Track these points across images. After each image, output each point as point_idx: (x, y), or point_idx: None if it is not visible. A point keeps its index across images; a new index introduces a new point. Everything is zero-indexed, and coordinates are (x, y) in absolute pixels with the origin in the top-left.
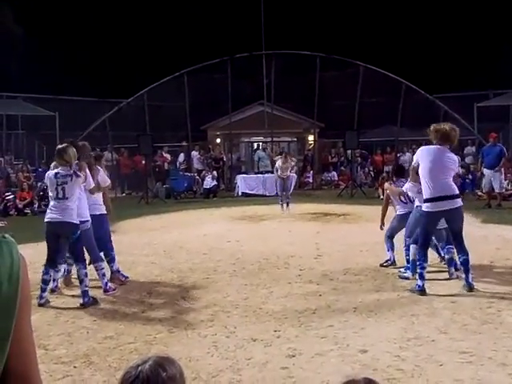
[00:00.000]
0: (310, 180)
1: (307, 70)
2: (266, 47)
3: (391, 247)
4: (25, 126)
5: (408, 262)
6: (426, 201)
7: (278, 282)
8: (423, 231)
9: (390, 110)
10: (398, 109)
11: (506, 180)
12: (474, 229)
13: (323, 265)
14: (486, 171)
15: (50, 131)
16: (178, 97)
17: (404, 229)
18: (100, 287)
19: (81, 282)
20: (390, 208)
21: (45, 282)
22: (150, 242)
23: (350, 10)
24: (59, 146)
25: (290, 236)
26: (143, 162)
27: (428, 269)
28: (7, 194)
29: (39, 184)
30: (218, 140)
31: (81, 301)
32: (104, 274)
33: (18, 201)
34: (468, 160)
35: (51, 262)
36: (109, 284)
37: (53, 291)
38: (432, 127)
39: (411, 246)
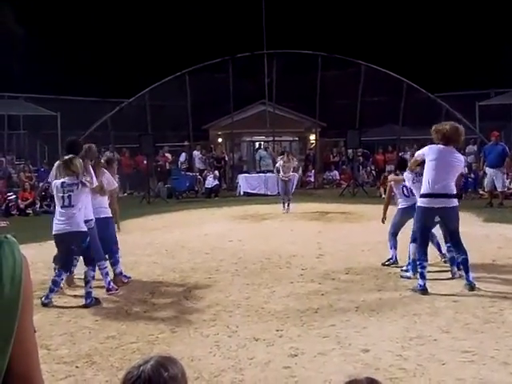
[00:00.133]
0: (312, 179)
1: (309, 70)
2: (268, 46)
3: (394, 245)
4: (26, 126)
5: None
6: (422, 196)
7: (280, 282)
8: (420, 229)
9: (392, 109)
10: (399, 108)
11: (508, 179)
12: (475, 228)
13: (325, 264)
14: (488, 170)
15: (52, 131)
16: (180, 96)
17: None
18: (103, 287)
19: (86, 282)
20: (392, 207)
21: (55, 283)
22: (151, 242)
23: (351, 9)
24: (65, 158)
25: (292, 235)
26: (145, 161)
27: (430, 268)
28: (9, 194)
29: (41, 184)
30: (220, 139)
31: (83, 301)
32: (107, 274)
33: (19, 201)
34: (470, 159)
35: (65, 267)
36: (111, 284)
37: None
38: (433, 128)
39: (411, 245)
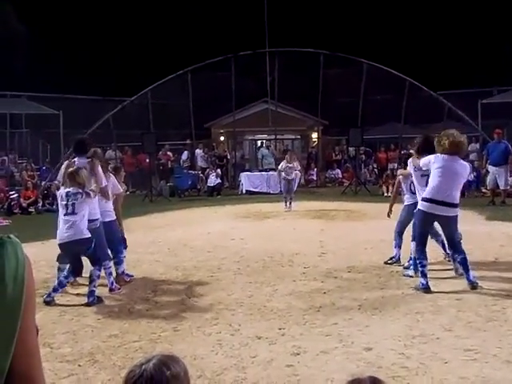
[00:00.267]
0: (314, 177)
1: (311, 68)
2: (270, 45)
3: (399, 244)
4: (29, 124)
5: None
6: (424, 199)
7: (282, 280)
8: (418, 231)
9: (394, 107)
10: (401, 106)
11: (510, 177)
12: (478, 226)
13: (327, 262)
14: (490, 168)
15: (54, 130)
16: (182, 95)
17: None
18: (105, 285)
19: (91, 281)
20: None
21: (60, 283)
22: (154, 240)
23: (353, 7)
24: (71, 169)
25: (294, 234)
26: (147, 160)
27: (433, 266)
28: (11, 192)
29: (43, 183)
30: (222, 138)
31: (85, 299)
32: (111, 273)
33: (22, 200)
34: (472, 157)
35: (75, 273)
36: (114, 283)
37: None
38: (435, 140)
39: (411, 243)
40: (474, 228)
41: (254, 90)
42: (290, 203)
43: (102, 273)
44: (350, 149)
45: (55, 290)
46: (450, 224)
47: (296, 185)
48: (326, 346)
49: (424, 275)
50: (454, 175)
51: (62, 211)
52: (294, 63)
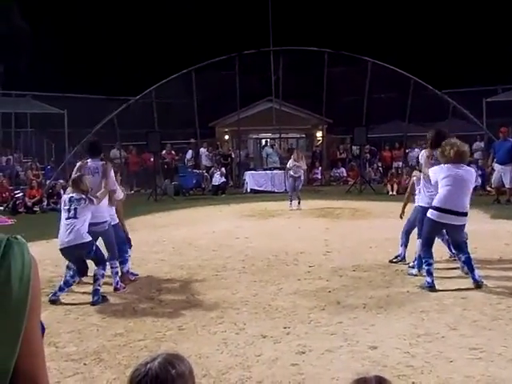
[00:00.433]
0: (319, 176)
1: (315, 66)
2: (274, 43)
3: (405, 243)
4: (33, 123)
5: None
6: (434, 208)
7: (287, 279)
8: (425, 236)
9: (399, 106)
10: (406, 104)
11: None
12: (483, 224)
13: (332, 261)
14: (496, 166)
15: (59, 129)
16: (186, 94)
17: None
18: (110, 284)
19: (95, 280)
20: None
21: (66, 283)
22: (159, 239)
23: (357, 6)
24: (74, 176)
25: (299, 232)
26: (152, 159)
27: (438, 265)
28: (16, 191)
29: (48, 182)
30: (227, 137)
31: (90, 298)
32: (117, 273)
33: (26, 198)
34: (477, 155)
35: (80, 273)
36: (120, 283)
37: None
38: (439, 152)
39: (417, 241)
40: (479, 226)
41: (259, 88)
42: (299, 202)
43: (108, 272)
44: (355, 147)
45: (61, 289)
46: (457, 232)
47: (301, 183)
48: (331, 345)
49: (430, 274)
50: (461, 182)
51: (64, 216)
52: (299, 62)
